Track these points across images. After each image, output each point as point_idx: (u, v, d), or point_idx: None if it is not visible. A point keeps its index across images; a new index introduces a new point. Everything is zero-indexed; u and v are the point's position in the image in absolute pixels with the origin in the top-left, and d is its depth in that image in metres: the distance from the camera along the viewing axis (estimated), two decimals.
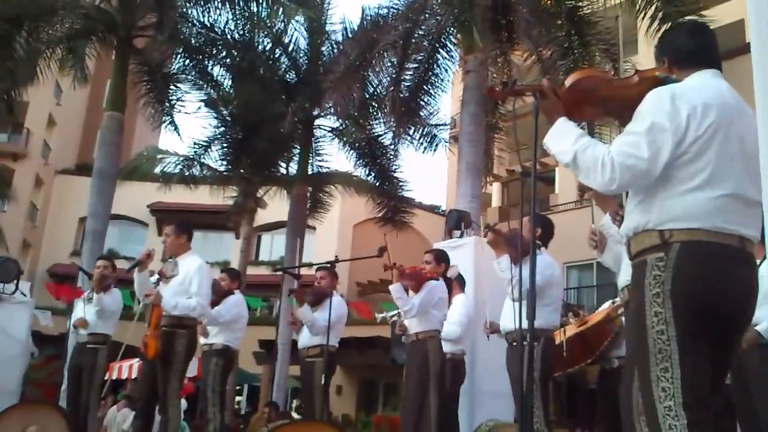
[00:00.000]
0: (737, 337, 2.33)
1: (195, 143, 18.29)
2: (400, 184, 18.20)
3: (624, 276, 3.62)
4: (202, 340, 6.58)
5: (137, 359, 15.71)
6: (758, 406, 3.92)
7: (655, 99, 2.30)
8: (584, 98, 2.52)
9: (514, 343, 5.06)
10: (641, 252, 2.32)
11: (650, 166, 2.24)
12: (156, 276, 5.75)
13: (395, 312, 6.67)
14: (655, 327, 2.20)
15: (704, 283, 2.19)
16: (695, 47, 2.47)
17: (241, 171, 18.71)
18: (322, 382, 6.20)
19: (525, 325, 2.79)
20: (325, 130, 18.67)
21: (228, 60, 16.63)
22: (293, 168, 18.89)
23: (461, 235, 7.68)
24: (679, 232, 2.23)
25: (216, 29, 16.09)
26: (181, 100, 16.75)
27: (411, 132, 15.89)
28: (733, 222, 2.22)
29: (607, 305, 6.14)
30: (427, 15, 12.97)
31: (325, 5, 17.50)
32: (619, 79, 2.61)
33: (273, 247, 29.15)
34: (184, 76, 16.63)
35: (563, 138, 2.42)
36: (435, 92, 14.53)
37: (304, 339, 6.61)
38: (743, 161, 2.26)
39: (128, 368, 15.80)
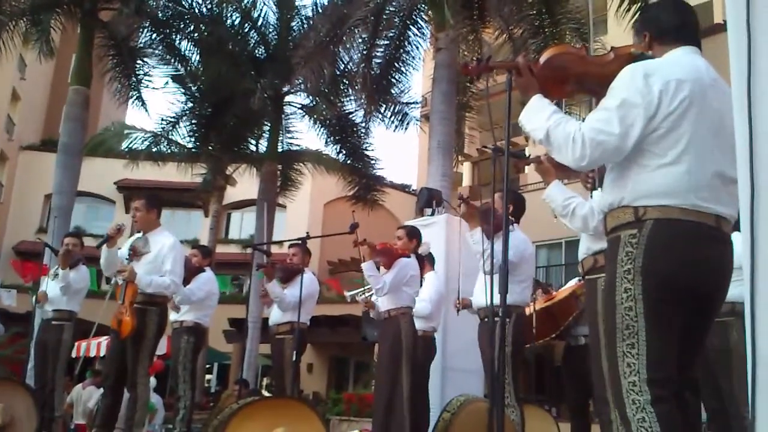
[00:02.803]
0: (710, 316, 2.33)
1: (162, 119, 18.09)
2: (371, 162, 18.18)
3: (582, 249, 3.65)
4: (171, 317, 6.53)
5: (106, 337, 15.57)
6: (722, 384, 3.99)
7: (628, 75, 2.30)
8: (559, 75, 2.51)
9: (486, 319, 5.10)
10: (615, 228, 2.32)
11: (621, 142, 2.25)
12: (128, 252, 5.65)
13: (363, 289, 6.67)
14: (624, 303, 2.21)
15: (675, 261, 2.19)
16: (678, 23, 2.47)
17: (210, 148, 18.51)
18: (293, 359, 6.19)
19: (497, 300, 2.81)
20: (295, 106, 18.57)
21: (196, 34, 16.37)
22: (263, 145, 18.75)
23: (432, 213, 7.71)
24: (652, 209, 2.23)
25: (183, 2, 15.85)
26: (148, 75, 16.55)
27: (382, 110, 15.82)
28: (708, 199, 2.22)
29: (574, 282, 6.23)
30: None
31: None
32: (594, 56, 2.60)
33: (243, 225, 28.99)
34: (151, 50, 16.34)
35: (537, 115, 2.42)
36: (406, 70, 14.51)
37: (275, 316, 6.59)
38: (720, 138, 2.25)
39: (97, 346, 15.64)
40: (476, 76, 2.66)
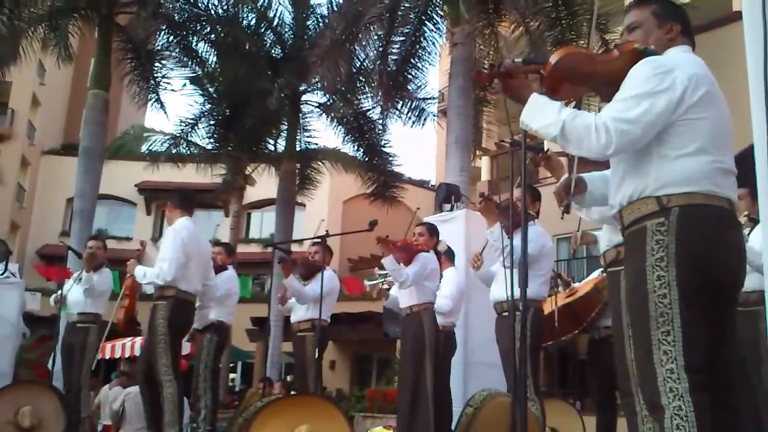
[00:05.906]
0: (734, 302, 2.35)
1: (181, 121, 18.23)
2: (389, 159, 18.19)
3: (604, 241, 3.64)
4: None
5: (130, 338, 15.76)
6: (751, 374, 3.97)
7: (649, 67, 2.32)
8: (567, 75, 2.50)
9: (504, 314, 5.10)
10: (638, 220, 2.33)
11: (644, 131, 2.27)
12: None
13: (383, 280, 6.65)
14: (657, 291, 2.22)
15: (706, 245, 2.23)
16: (690, 24, 2.56)
17: (229, 148, 18.63)
18: (315, 356, 6.21)
19: (516, 294, 2.81)
20: (312, 105, 18.62)
21: (212, 36, 16.46)
22: (281, 145, 18.83)
23: (451, 209, 7.70)
24: (676, 197, 2.26)
25: (199, 4, 15.94)
26: (167, 78, 16.66)
27: (399, 106, 15.82)
28: (721, 186, 2.27)
29: (595, 274, 6.19)
30: None
31: None
32: (599, 54, 2.62)
33: (263, 224, 29.13)
34: (168, 53, 16.45)
35: (544, 111, 2.40)
36: (422, 65, 14.48)
37: (297, 314, 6.62)
38: (723, 132, 2.33)
39: (122, 347, 15.83)
40: (489, 83, 2.66)
